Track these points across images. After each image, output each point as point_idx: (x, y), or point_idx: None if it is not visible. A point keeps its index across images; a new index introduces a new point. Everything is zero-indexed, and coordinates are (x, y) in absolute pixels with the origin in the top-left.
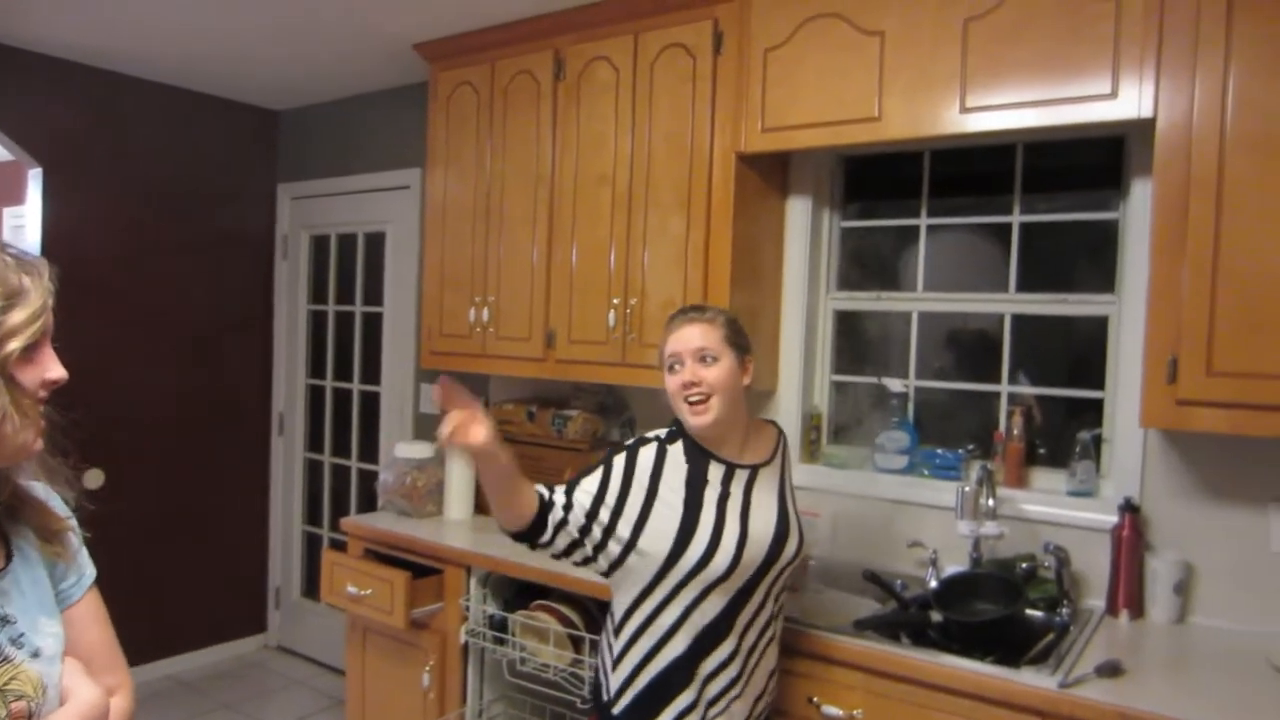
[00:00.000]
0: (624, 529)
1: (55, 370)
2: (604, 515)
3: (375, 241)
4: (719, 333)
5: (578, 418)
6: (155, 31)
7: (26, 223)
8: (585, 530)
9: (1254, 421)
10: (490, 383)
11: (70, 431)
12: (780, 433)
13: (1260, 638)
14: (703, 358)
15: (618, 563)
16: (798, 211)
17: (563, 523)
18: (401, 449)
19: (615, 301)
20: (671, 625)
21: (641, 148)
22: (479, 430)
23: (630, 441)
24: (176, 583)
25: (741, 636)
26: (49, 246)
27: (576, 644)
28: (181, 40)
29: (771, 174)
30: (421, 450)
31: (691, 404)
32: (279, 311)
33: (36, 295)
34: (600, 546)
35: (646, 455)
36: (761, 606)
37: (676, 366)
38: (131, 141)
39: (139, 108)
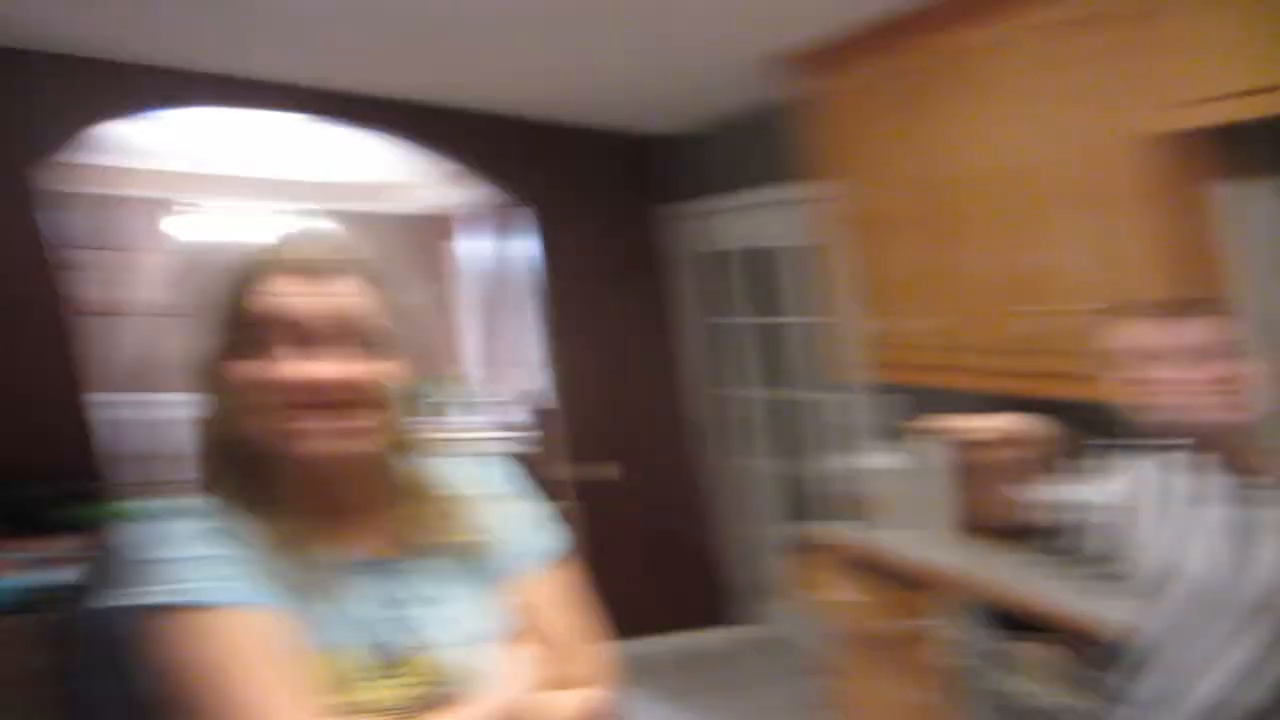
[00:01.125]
0: None
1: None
2: None
3: (778, 258)
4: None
5: None
6: (523, 71)
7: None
8: None
9: None
10: None
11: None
12: None
13: None
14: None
15: None
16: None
17: None
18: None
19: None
20: None
21: (1049, 135)
22: None
23: None
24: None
25: None
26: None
27: (1077, 684)
28: (556, 78)
29: (1211, 154)
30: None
31: None
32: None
33: None
34: None
35: None
36: None
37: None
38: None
39: (547, 144)
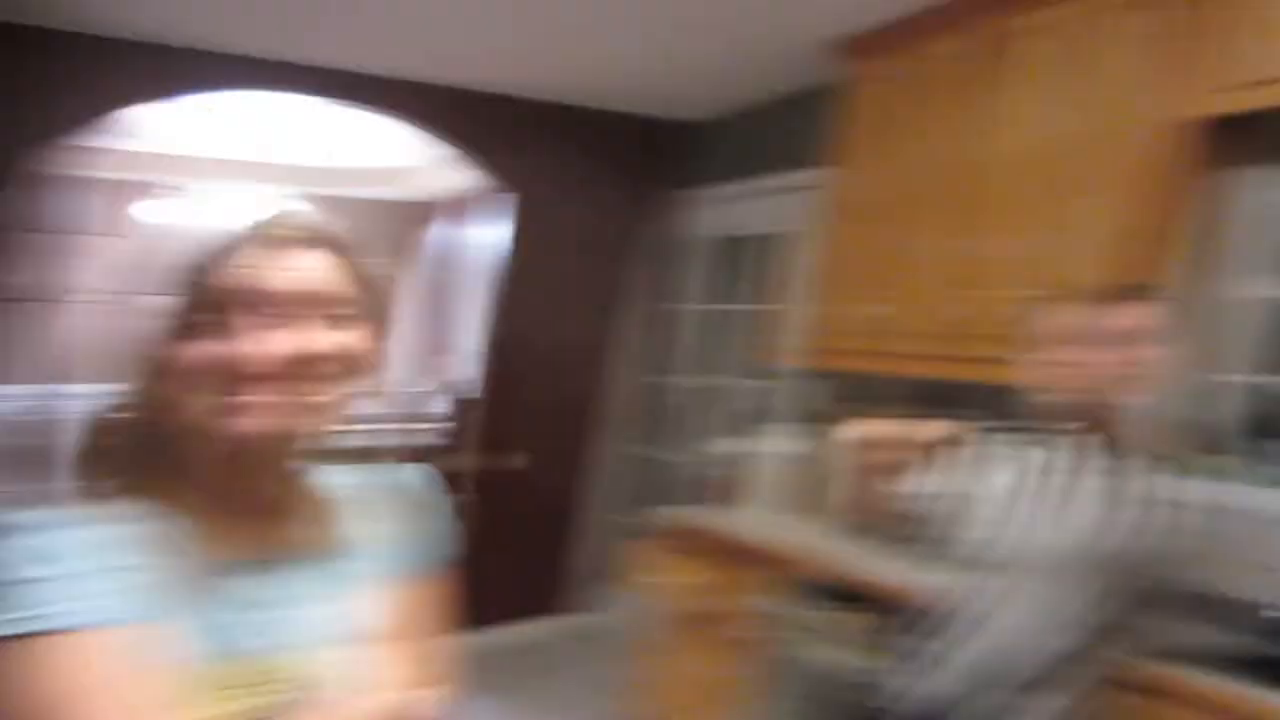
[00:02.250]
0: None
1: None
2: None
3: (775, 244)
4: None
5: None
6: (565, 58)
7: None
8: None
9: None
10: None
11: None
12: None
13: None
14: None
15: None
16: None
17: None
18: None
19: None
20: None
21: (1081, 121)
22: None
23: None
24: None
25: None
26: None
27: (878, 650)
28: (589, 63)
29: (1235, 142)
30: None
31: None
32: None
33: None
34: None
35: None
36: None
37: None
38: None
39: (546, 127)
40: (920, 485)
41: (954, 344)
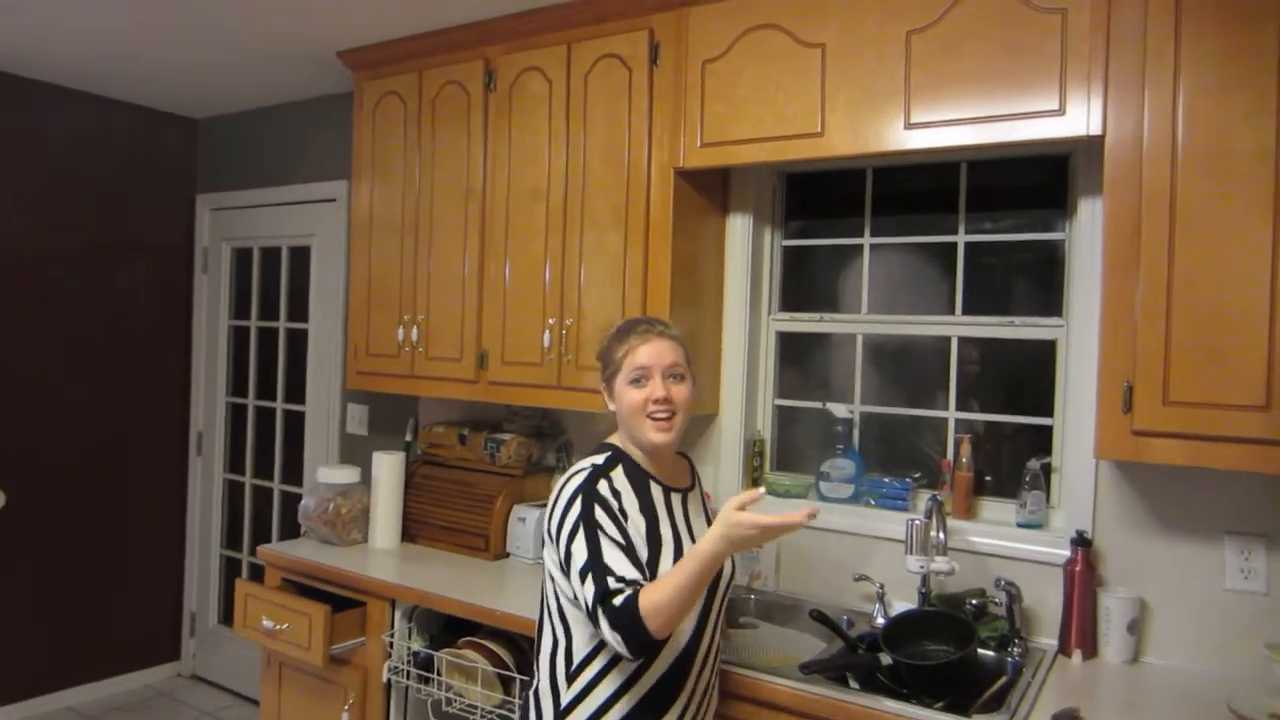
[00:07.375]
0: None
1: None
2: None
3: (300, 255)
4: (683, 351)
5: (512, 442)
6: (63, 33)
7: None
8: None
9: (1211, 453)
10: (420, 404)
11: None
12: (693, 464)
13: (1216, 679)
14: (674, 374)
15: None
16: (738, 229)
17: None
18: (324, 473)
19: (550, 322)
20: (640, 665)
21: (576, 161)
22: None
23: (578, 487)
24: (82, 609)
25: (699, 672)
26: None
27: (506, 684)
28: (93, 44)
29: (711, 190)
30: (346, 475)
31: (656, 420)
32: (198, 326)
33: None
34: None
35: (605, 492)
36: (714, 633)
37: (644, 380)
38: (40, 148)
39: (47, 113)
40: (620, 561)
41: (483, 370)
